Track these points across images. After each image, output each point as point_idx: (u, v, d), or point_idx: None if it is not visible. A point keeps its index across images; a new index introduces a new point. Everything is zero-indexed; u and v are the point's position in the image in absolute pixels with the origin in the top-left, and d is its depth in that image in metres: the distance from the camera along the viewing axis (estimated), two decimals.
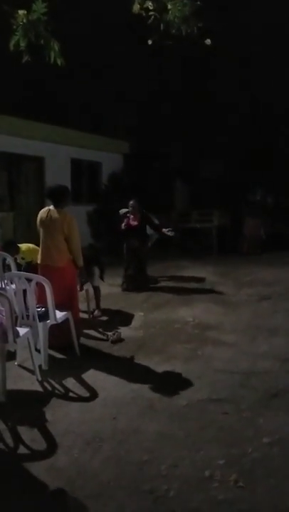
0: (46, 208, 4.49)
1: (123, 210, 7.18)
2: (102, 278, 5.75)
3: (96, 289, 5.61)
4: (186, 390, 3.45)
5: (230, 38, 11.25)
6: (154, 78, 13.50)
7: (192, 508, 2.18)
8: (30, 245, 5.46)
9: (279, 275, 7.75)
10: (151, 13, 4.18)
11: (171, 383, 3.60)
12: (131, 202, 6.95)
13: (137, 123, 13.70)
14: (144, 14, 4.22)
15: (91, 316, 5.50)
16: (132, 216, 6.95)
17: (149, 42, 4.36)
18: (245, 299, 6.27)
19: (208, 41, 4.38)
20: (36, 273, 4.28)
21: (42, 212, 4.49)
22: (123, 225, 6.97)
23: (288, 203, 12.42)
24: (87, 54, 12.38)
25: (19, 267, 5.12)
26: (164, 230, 7.20)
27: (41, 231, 4.45)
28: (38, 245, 4.71)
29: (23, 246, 5.43)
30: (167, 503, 2.22)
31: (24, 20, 3.70)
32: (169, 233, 7.18)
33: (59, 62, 3.89)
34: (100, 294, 5.68)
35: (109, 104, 14.09)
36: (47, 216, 4.40)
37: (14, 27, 3.75)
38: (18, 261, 5.24)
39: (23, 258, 5.33)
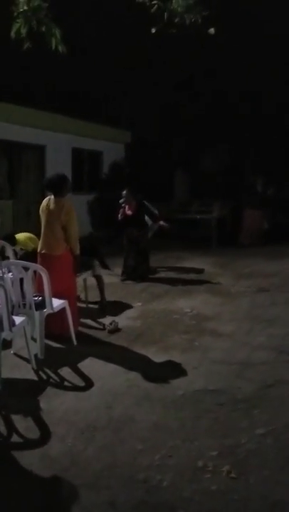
0: (48, 197, 4.52)
1: (122, 200, 7.13)
2: (105, 266, 5.69)
3: (98, 279, 5.44)
4: (183, 381, 3.45)
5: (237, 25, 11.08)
6: (156, 65, 13.34)
7: (185, 498, 2.18)
8: (27, 234, 5.42)
9: (278, 267, 7.72)
10: (154, 1, 4.13)
11: (167, 373, 3.60)
12: (124, 192, 6.92)
13: (139, 112, 13.58)
14: (147, 3, 4.16)
15: (103, 327, 4.81)
16: (126, 206, 6.92)
17: (153, 30, 4.31)
18: (243, 291, 6.25)
19: (211, 30, 4.31)
20: (35, 261, 4.27)
21: (43, 202, 4.56)
22: (119, 215, 6.95)
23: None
24: (89, 41, 12.24)
25: (17, 256, 5.10)
26: (160, 222, 7.17)
27: (42, 220, 4.49)
28: (38, 234, 4.69)
29: (21, 236, 5.39)
30: (160, 492, 2.23)
31: (25, 7, 3.65)
32: (164, 225, 7.16)
33: (60, 49, 3.84)
34: (103, 285, 5.45)
35: (111, 93, 13.96)
36: (47, 205, 4.46)
37: (15, 14, 3.70)
38: (17, 250, 5.22)
39: (21, 249, 5.31)
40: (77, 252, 4.43)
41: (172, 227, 7.53)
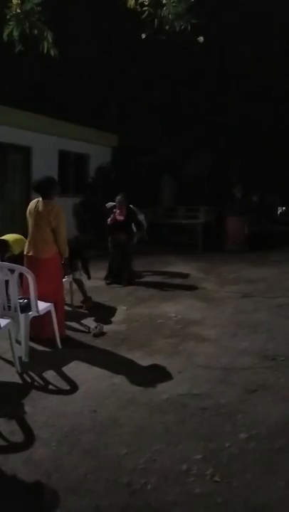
0: (35, 200, 4.49)
1: (110, 204, 7.15)
2: (87, 273, 5.73)
3: (79, 282, 5.54)
4: (167, 385, 3.47)
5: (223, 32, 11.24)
6: (145, 69, 13.41)
7: (168, 501, 2.20)
8: (16, 236, 5.34)
9: (262, 273, 7.82)
10: (145, 8, 4.17)
11: (152, 377, 3.61)
12: (118, 197, 6.93)
13: (126, 116, 13.62)
14: (138, 9, 4.21)
15: (88, 330, 4.75)
16: (118, 211, 6.93)
17: (143, 36, 4.35)
18: (228, 296, 6.32)
19: (200, 39, 4.37)
20: (22, 264, 4.24)
21: (31, 204, 4.52)
22: (109, 219, 6.95)
23: (273, 200, 12.54)
24: (76, 44, 12.24)
25: (2, 258, 5.03)
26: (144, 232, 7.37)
27: (29, 222, 4.45)
28: (24, 235, 4.65)
29: (10, 238, 5.30)
30: (144, 496, 2.24)
31: (18, 10, 3.66)
32: (143, 236, 7.34)
33: (52, 52, 3.86)
34: (83, 287, 5.60)
35: (98, 96, 13.97)
36: (35, 207, 4.42)
37: (8, 17, 3.71)
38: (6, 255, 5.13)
39: (10, 250, 5.23)
40: (66, 255, 4.43)
41: (144, 239, 7.73)
